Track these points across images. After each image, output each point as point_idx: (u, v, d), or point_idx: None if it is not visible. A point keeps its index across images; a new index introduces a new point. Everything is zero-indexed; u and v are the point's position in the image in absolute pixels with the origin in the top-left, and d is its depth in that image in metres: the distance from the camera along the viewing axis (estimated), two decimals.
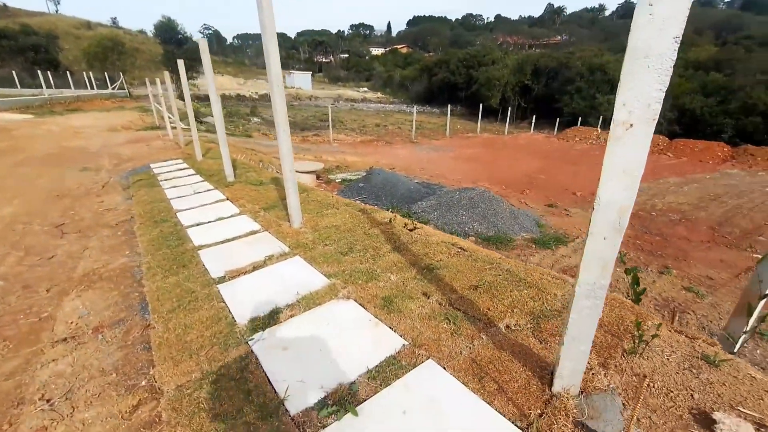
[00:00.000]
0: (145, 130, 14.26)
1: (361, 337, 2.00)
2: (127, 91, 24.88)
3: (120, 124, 15.41)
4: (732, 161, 16.35)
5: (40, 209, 5.09)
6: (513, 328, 1.95)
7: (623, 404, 1.47)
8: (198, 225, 4.00)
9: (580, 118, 29.37)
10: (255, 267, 2.92)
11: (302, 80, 52.74)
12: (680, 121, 28.25)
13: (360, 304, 2.29)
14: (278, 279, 2.71)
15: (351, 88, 65.73)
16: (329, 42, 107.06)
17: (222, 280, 2.76)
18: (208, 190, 5.41)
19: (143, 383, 1.83)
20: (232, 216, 4.23)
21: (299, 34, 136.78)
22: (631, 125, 1.05)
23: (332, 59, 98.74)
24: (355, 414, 1.50)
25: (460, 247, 2.92)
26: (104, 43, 26.87)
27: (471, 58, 44.05)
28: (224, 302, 2.45)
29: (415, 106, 25.52)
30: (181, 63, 7.30)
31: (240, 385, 1.72)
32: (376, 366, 1.77)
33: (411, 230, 3.34)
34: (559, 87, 36.34)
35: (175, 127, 11.67)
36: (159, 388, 1.76)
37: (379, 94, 56.83)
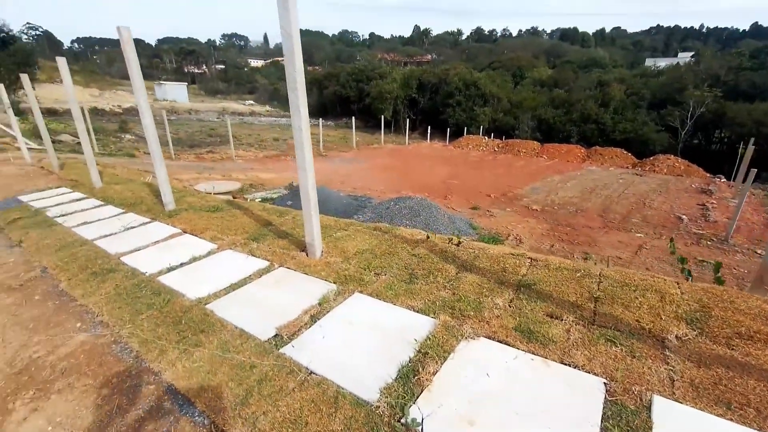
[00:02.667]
0: None
1: (544, 385, 1.62)
2: None
3: None
4: (589, 160, 20.20)
5: None
6: (684, 338, 1.82)
7: None
8: (170, 270, 2.96)
9: (465, 129, 32.72)
10: (313, 316, 2.23)
11: (177, 92, 46.89)
12: (540, 129, 33.86)
13: (498, 341, 1.90)
14: (361, 328, 2.10)
15: (234, 101, 61.38)
16: (201, 52, 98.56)
17: (281, 342, 2.01)
18: (145, 223, 4.14)
19: None
20: (210, 253, 3.26)
21: (161, 42, 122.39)
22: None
23: (206, 70, 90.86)
24: None
25: (530, 258, 2.73)
26: None
27: (359, 72, 45.43)
28: (316, 373, 1.76)
29: (320, 120, 24.90)
30: (25, 76, 5.55)
31: None
32: (601, 422, 1.43)
33: (457, 245, 3.03)
34: (442, 100, 40.00)
35: (30, 148, 8.99)
36: None
37: (267, 108, 54.24)
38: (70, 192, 5.84)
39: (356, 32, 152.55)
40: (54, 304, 2.66)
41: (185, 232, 3.78)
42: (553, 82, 46.89)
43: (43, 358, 2.05)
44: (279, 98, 62.31)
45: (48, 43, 76.46)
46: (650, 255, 8.33)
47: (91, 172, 5.91)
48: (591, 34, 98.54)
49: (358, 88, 44.63)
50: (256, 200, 11.43)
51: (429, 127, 29.53)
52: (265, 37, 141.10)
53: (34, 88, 24.66)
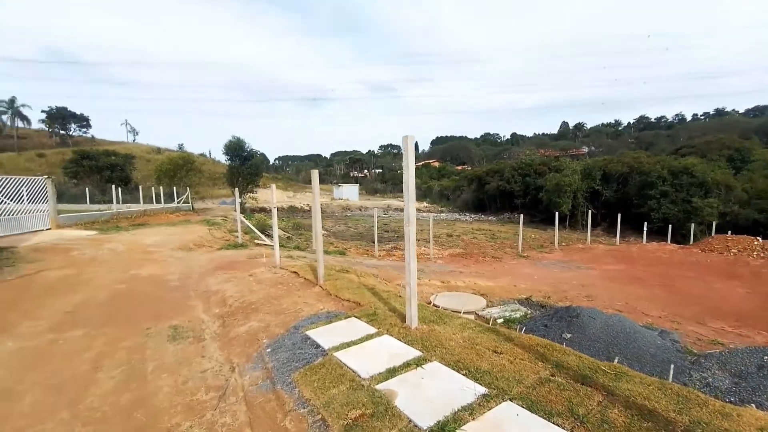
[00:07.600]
0: (227, 249, 11.06)
1: None
2: (191, 204, 23.35)
3: (191, 240, 12.44)
4: None
5: None
6: None
7: None
8: None
9: (692, 225, 25.36)
10: None
11: (350, 192, 52.94)
12: None
13: None
14: None
15: (392, 198, 66.12)
16: (364, 160, 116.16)
17: None
18: None
19: None
20: None
21: (333, 155, 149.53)
22: None
23: (367, 174, 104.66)
24: None
25: None
26: (176, 160, 26.95)
27: (526, 166, 43.32)
28: None
29: (521, 217, 22.33)
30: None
31: None
32: None
33: None
34: (636, 191, 33.50)
35: (263, 244, 8.28)
36: None
37: (425, 203, 55.92)
38: (374, 332, 3.81)
39: (497, 134, 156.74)
40: None
41: None
42: None
43: None
44: (431, 195, 64.81)
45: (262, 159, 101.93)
46: None
47: (409, 309, 3.85)
48: None
49: (524, 182, 42.04)
50: (499, 321, 8.38)
51: (645, 224, 23.41)
52: (416, 145, 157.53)
53: (256, 192, 30.09)
